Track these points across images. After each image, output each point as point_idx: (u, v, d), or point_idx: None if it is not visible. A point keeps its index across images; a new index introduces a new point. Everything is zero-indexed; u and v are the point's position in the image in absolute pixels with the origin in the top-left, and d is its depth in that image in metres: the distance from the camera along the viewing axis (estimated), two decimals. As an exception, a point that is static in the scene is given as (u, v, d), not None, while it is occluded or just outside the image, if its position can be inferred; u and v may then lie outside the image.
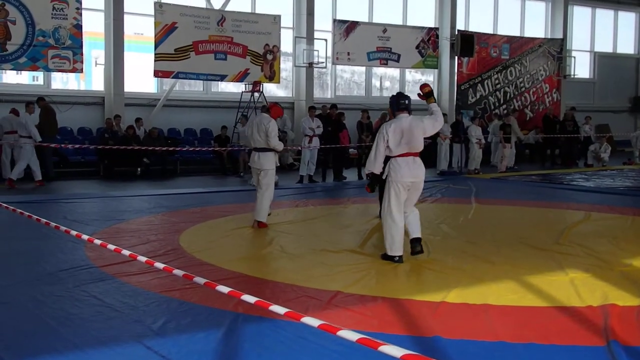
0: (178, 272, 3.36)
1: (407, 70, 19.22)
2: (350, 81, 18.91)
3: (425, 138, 5.88)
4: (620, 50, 23.93)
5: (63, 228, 4.43)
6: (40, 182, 11.61)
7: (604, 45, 23.50)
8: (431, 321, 4.15)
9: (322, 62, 16.73)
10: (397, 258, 5.74)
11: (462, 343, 3.78)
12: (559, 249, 6.43)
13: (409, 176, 5.69)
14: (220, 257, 5.92)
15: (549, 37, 21.53)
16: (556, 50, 21.32)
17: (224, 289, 3.05)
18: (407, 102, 5.92)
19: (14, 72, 14.09)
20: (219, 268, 5.54)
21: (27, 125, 11.45)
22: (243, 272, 5.42)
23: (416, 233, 5.88)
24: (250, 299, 2.85)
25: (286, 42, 16.63)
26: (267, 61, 15.80)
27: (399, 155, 5.70)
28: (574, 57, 21.93)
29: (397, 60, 18.18)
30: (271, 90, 16.94)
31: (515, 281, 5.16)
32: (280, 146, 7.59)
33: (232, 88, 16.57)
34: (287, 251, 6.34)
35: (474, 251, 6.40)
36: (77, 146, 12.81)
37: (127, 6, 14.30)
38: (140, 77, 15.14)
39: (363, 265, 5.88)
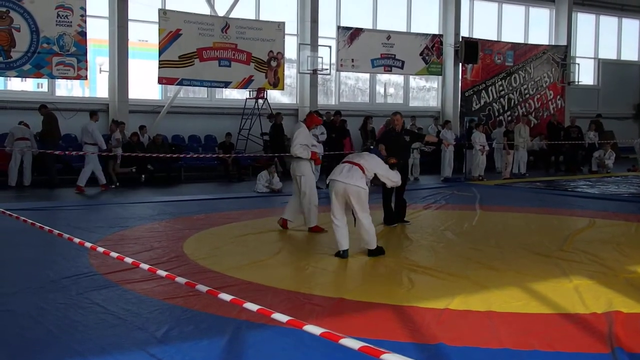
0: (180, 280, 3.35)
1: (411, 77, 19.24)
2: (354, 88, 18.94)
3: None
4: (625, 57, 23.90)
5: (66, 235, 4.43)
6: (104, 187, 12.10)
7: (608, 52, 23.48)
8: (435, 328, 4.13)
9: (326, 69, 16.76)
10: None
11: (466, 350, 3.76)
12: (563, 255, 6.41)
13: (337, 181, 6.31)
14: (225, 264, 5.91)
15: (553, 43, 21.53)
16: (560, 57, 21.31)
17: (226, 296, 3.05)
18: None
19: (19, 79, 14.16)
20: (223, 275, 5.53)
21: (93, 133, 11.98)
22: (247, 279, 5.40)
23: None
24: (252, 306, 2.84)
25: (290, 49, 16.68)
26: (271, 68, 15.85)
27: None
28: (578, 64, 21.90)
29: (401, 67, 18.21)
30: (275, 97, 16.99)
31: (520, 288, 5.14)
32: (300, 153, 7.59)
33: (236, 95, 16.61)
34: (291, 258, 6.34)
35: (478, 258, 6.38)
36: (81, 153, 12.81)
37: (132, 13, 14.37)
38: (145, 84, 15.19)
39: (367, 272, 5.88)
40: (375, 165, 6.41)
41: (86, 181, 11.80)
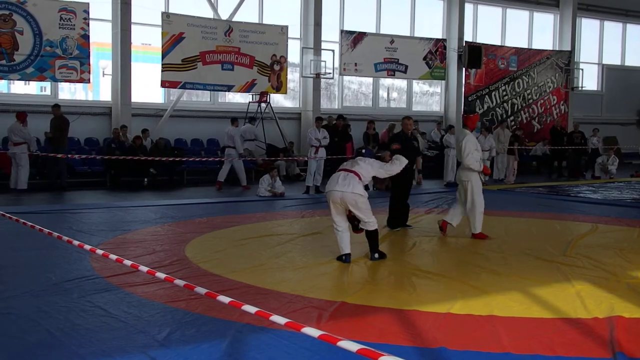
0: (180, 282, 3.35)
1: (414, 81, 19.25)
2: (358, 92, 18.96)
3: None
4: (629, 62, 23.88)
5: (65, 238, 4.42)
6: (246, 187, 13.15)
7: (612, 58, 23.46)
8: (436, 332, 4.13)
9: (329, 73, 16.79)
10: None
11: (467, 354, 3.76)
12: (566, 260, 6.39)
13: (334, 190, 6.30)
14: (226, 268, 5.91)
15: (557, 49, 21.53)
16: (564, 62, 21.31)
17: (224, 298, 3.04)
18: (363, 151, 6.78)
19: (22, 82, 14.19)
20: (225, 278, 5.53)
21: (234, 138, 13.27)
22: (249, 282, 5.40)
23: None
24: (250, 309, 2.84)
25: (293, 53, 16.72)
26: (274, 72, 15.88)
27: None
28: (582, 70, 21.91)
29: (405, 72, 18.23)
30: (278, 101, 17.02)
31: (521, 292, 5.13)
32: (473, 165, 7.51)
33: (239, 98, 16.65)
34: (293, 262, 6.33)
35: (480, 262, 6.38)
36: (84, 156, 12.86)
37: (135, 16, 14.42)
38: (148, 87, 15.23)
39: (369, 276, 5.88)
40: (370, 167, 6.35)
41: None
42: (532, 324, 4.39)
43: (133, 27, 14.40)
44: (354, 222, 6.34)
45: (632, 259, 6.48)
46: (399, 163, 6.57)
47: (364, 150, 6.76)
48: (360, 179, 6.18)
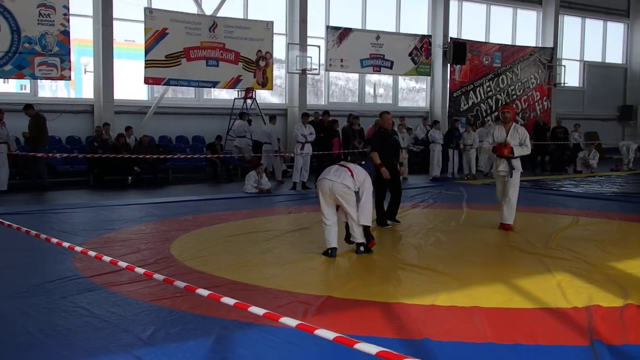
0: (159, 277, 3.36)
1: (400, 77, 19.32)
2: (345, 88, 18.99)
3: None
4: (609, 60, 24.21)
5: (43, 236, 4.37)
6: (280, 181, 13.68)
7: (594, 55, 23.76)
8: (421, 324, 4.18)
9: (315, 69, 16.79)
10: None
11: (450, 345, 3.81)
12: (548, 252, 6.49)
13: (325, 181, 6.34)
14: (212, 265, 5.90)
15: (540, 45, 21.74)
16: (547, 58, 21.52)
17: (203, 292, 3.05)
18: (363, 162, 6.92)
19: (0, 80, 13.92)
20: (211, 275, 5.52)
21: (271, 135, 14.16)
22: (235, 279, 5.39)
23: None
24: (229, 300, 2.86)
25: (279, 49, 16.69)
26: (259, 68, 15.84)
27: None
28: (564, 66, 22.16)
29: (390, 67, 18.29)
30: (265, 97, 16.99)
31: (504, 284, 5.21)
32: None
33: (224, 95, 16.59)
34: (280, 258, 6.34)
35: (464, 255, 6.45)
36: (65, 155, 12.67)
37: (117, 12, 14.23)
38: (131, 84, 15.10)
39: (355, 271, 5.91)
40: (362, 181, 6.26)
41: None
42: (514, 314, 4.47)
43: (115, 22, 14.21)
44: (347, 230, 6.41)
45: (611, 250, 6.60)
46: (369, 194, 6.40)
47: (363, 163, 6.85)
48: (352, 175, 6.20)
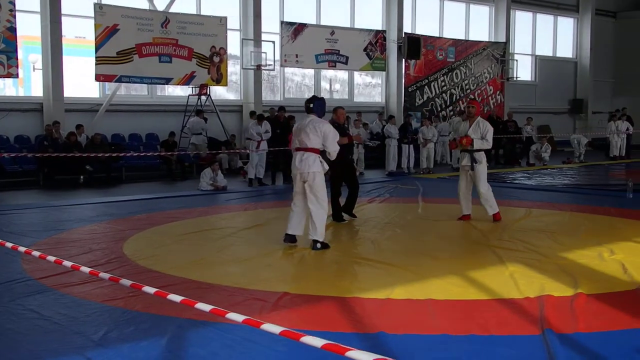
0: (104, 275, 3.27)
1: (356, 73, 19.40)
2: (301, 84, 18.94)
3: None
4: (560, 54, 24.94)
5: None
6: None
7: (545, 50, 24.43)
8: (376, 318, 4.20)
9: (270, 65, 16.69)
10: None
11: (405, 337, 3.84)
12: (501, 244, 6.63)
13: (294, 169, 6.46)
14: (166, 264, 5.80)
15: (493, 40, 22.21)
16: (499, 53, 22.00)
17: (149, 289, 2.99)
18: (311, 105, 6.56)
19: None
20: (164, 274, 5.42)
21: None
22: (190, 277, 5.32)
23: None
24: (175, 297, 2.82)
25: (233, 45, 16.52)
26: (213, 64, 15.64)
27: (295, 149, 6.54)
28: (517, 60, 22.72)
29: (346, 63, 18.35)
30: (220, 93, 16.79)
31: (459, 276, 5.29)
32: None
33: (179, 92, 16.31)
34: (236, 255, 6.29)
35: (419, 248, 6.53)
36: (13, 155, 12.27)
37: (65, 8, 13.82)
38: (82, 81, 14.69)
39: (311, 266, 5.91)
40: (325, 134, 6.35)
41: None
42: (468, 305, 4.54)
43: (64, 19, 13.80)
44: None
45: (563, 241, 6.78)
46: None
47: (311, 105, 6.55)
48: (317, 152, 6.33)
